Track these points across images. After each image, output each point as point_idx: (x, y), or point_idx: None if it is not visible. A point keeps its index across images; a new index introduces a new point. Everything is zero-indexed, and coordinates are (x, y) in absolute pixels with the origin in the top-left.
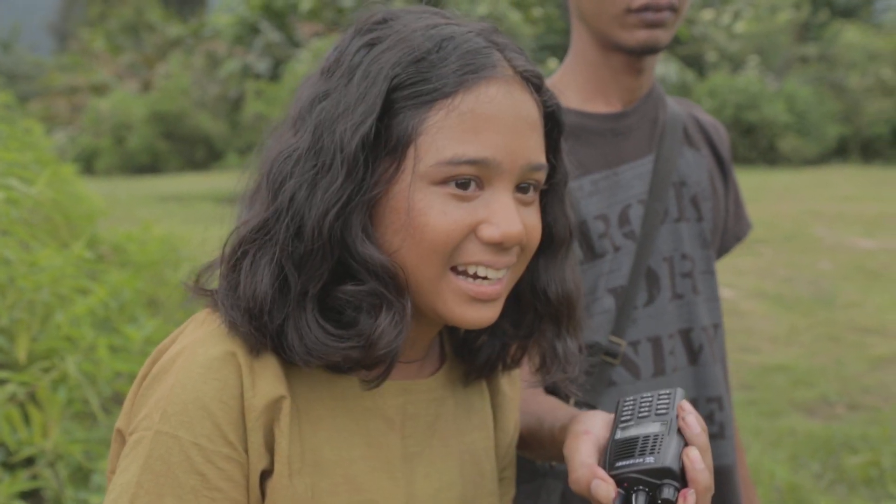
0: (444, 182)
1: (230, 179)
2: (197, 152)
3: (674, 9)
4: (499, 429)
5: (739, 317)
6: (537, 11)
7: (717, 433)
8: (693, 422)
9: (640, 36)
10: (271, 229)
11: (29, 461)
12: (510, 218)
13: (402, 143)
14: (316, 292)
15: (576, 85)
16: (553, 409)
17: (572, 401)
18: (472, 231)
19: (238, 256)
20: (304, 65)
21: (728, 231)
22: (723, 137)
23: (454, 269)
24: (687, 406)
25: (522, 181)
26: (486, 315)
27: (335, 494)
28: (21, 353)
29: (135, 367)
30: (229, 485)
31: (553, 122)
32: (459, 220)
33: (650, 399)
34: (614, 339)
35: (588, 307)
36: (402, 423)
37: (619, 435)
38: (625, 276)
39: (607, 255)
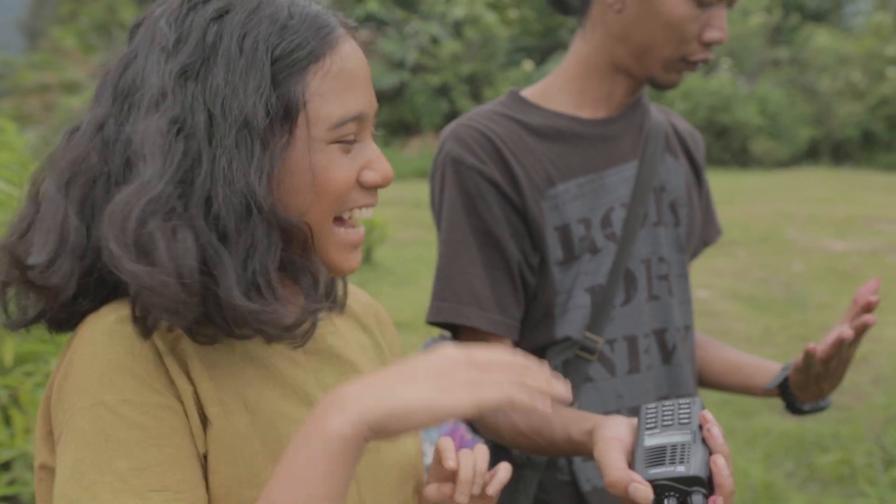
0: (335, 141)
1: None
2: None
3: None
4: (390, 350)
5: (715, 317)
6: (513, 13)
7: None
8: (717, 433)
9: (675, 79)
10: (169, 204)
11: (5, 466)
12: (384, 161)
13: (291, 112)
14: (274, 264)
15: (569, 91)
16: (559, 414)
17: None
18: (356, 178)
19: (140, 240)
20: None
21: (700, 236)
22: (699, 145)
23: (336, 221)
24: (709, 416)
25: (373, 125)
26: (359, 258)
27: (273, 429)
28: (7, 356)
29: None
30: (171, 430)
31: None
32: (351, 169)
33: (671, 408)
34: (591, 336)
35: (564, 305)
36: (306, 360)
37: (648, 442)
38: (604, 275)
39: (585, 256)
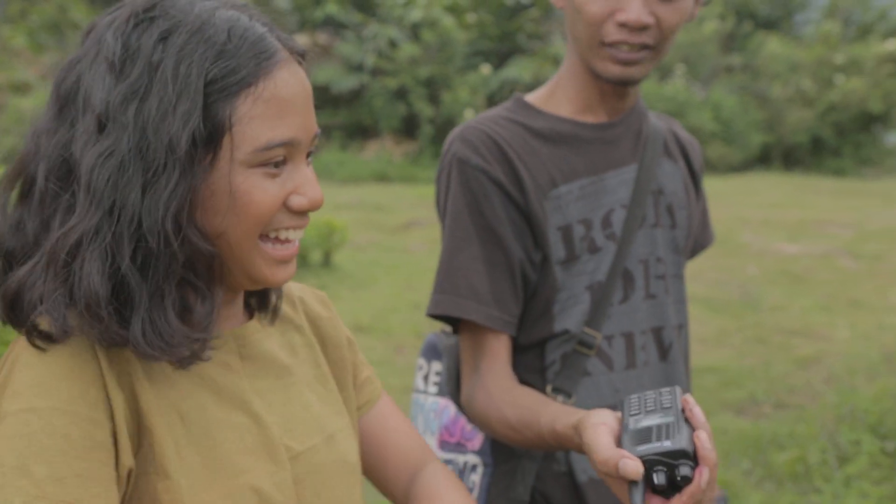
0: (260, 164)
1: None
2: None
3: (648, 48)
4: (329, 348)
5: None
6: (471, 17)
7: None
8: (699, 412)
9: (612, 70)
10: (100, 232)
11: None
12: (314, 187)
13: (216, 134)
14: (172, 289)
15: (567, 96)
16: (545, 404)
17: (549, 387)
18: (283, 202)
19: (62, 260)
20: None
21: (696, 239)
22: (697, 152)
23: (262, 237)
24: (691, 399)
25: (309, 149)
26: (290, 272)
27: (207, 437)
28: None
29: None
30: (95, 444)
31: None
32: (276, 194)
33: (654, 396)
34: (590, 331)
35: (564, 301)
36: (240, 365)
37: (633, 426)
38: (603, 273)
39: (585, 255)
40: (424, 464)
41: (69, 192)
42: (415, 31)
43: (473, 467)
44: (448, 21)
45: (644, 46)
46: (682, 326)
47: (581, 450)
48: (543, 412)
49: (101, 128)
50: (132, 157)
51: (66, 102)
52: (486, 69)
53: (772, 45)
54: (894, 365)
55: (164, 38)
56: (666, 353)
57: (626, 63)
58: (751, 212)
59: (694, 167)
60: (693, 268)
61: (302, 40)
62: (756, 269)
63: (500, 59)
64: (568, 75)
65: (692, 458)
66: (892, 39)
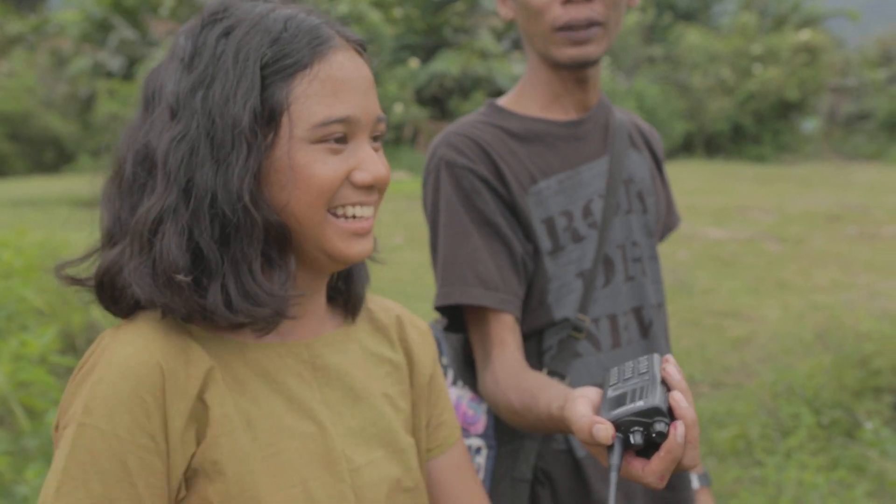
0: (320, 140)
1: (84, 182)
2: (46, 154)
3: (597, 24)
4: (416, 377)
5: None
6: (398, 11)
7: None
8: (673, 370)
9: (569, 52)
10: (178, 209)
11: None
12: (377, 163)
13: (276, 113)
14: (258, 253)
15: (535, 97)
16: (546, 387)
17: (545, 370)
18: (346, 177)
19: (144, 237)
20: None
21: (664, 223)
22: (657, 141)
23: (332, 213)
24: (671, 359)
25: (374, 132)
26: (365, 247)
27: (271, 444)
28: None
29: (37, 377)
30: (148, 471)
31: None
32: (337, 168)
33: (632, 365)
34: (581, 316)
35: (558, 291)
36: (312, 375)
37: (611, 394)
38: (590, 260)
39: (569, 245)
40: None
41: (152, 177)
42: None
43: (478, 450)
44: (375, 16)
45: (592, 23)
46: (661, 305)
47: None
48: (541, 397)
49: (174, 115)
50: (202, 139)
51: (148, 101)
52: (413, 63)
53: (691, 36)
54: (826, 342)
55: (227, 33)
56: (647, 330)
57: (580, 42)
58: (677, 198)
59: (657, 155)
60: None
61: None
62: (686, 254)
63: (427, 54)
64: (532, 77)
65: (667, 415)
66: (805, 30)
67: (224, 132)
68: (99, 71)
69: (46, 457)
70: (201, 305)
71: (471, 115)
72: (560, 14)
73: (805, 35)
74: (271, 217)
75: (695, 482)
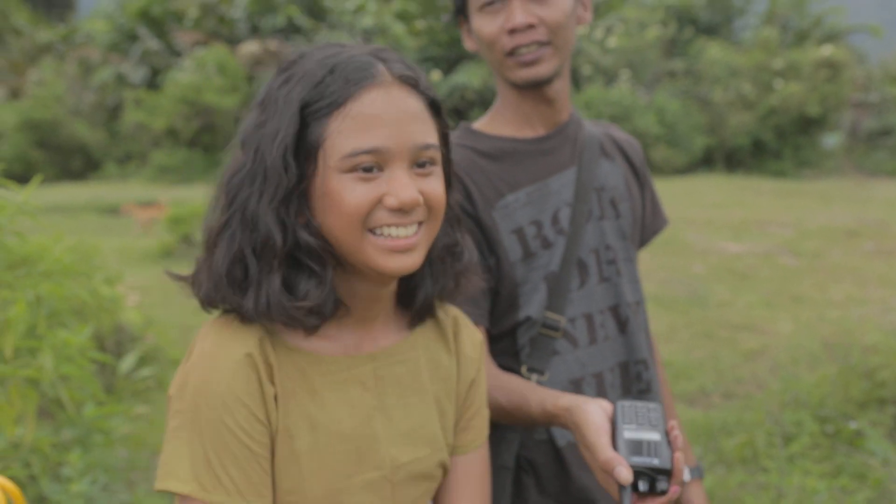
0: (350, 170)
1: (110, 189)
2: (73, 162)
3: (543, 44)
4: (460, 380)
5: None
6: (420, 24)
7: (645, 388)
8: (680, 436)
9: (521, 74)
10: (231, 226)
11: None
12: (405, 188)
13: (314, 148)
14: (278, 267)
15: (505, 117)
16: (532, 389)
17: (524, 367)
18: (380, 202)
19: (210, 246)
20: (187, 73)
21: (647, 226)
22: (636, 149)
23: (371, 231)
24: (675, 424)
25: (417, 159)
26: (405, 262)
27: (330, 445)
28: (7, 349)
29: (77, 371)
30: (266, 454)
31: (437, 110)
32: (366, 194)
33: (643, 409)
34: (553, 315)
35: (527, 294)
36: (374, 384)
37: (627, 436)
38: (556, 264)
39: (539, 251)
40: None
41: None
42: (365, 38)
43: None
44: (398, 28)
45: (539, 45)
46: (640, 303)
47: (568, 427)
48: (531, 396)
49: (242, 147)
50: (253, 171)
51: (243, 140)
52: (436, 75)
53: (712, 51)
54: (834, 354)
55: (286, 80)
56: (624, 326)
57: (529, 64)
58: (695, 212)
59: (634, 162)
60: (642, 267)
61: (253, 48)
62: (702, 268)
63: (449, 65)
64: (502, 101)
65: (669, 475)
66: (827, 45)
67: (266, 167)
68: (122, 81)
69: (84, 445)
70: (238, 304)
71: None
72: (506, 41)
73: (827, 50)
74: (307, 239)
75: (686, 475)
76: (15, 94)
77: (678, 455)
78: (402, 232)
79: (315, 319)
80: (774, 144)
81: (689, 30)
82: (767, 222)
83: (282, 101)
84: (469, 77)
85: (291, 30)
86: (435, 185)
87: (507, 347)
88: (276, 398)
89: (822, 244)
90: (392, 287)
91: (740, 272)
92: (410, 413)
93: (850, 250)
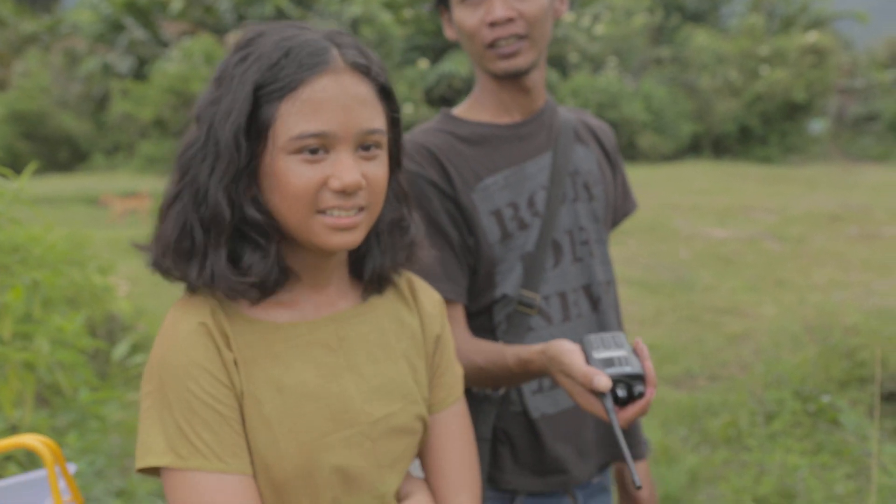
0: (297, 151)
1: (98, 181)
2: (60, 153)
3: (521, 37)
4: (426, 337)
5: None
6: (408, 13)
7: None
8: (644, 347)
9: (500, 66)
10: (182, 198)
11: None
12: (348, 172)
13: (264, 128)
14: (224, 242)
15: (484, 104)
16: (506, 346)
17: (500, 342)
18: (325, 184)
19: (162, 216)
20: (174, 63)
21: (618, 208)
22: (608, 135)
23: (321, 213)
24: (641, 341)
25: (363, 143)
26: (346, 239)
27: (299, 406)
28: (5, 332)
29: (72, 357)
30: (236, 415)
31: (387, 96)
32: (311, 177)
33: (608, 337)
34: (529, 293)
35: (504, 273)
36: (338, 345)
37: (597, 355)
38: (532, 244)
39: (516, 232)
40: (454, 497)
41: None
42: (353, 27)
43: None
44: (385, 17)
45: (518, 37)
46: (610, 283)
47: (544, 371)
48: (506, 351)
49: (197, 121)
50: (206, 146)
51: (198, 115)
52: (423, 64)
53: (699, 38)
54: (815, 335)
55: (243, 59)
56: (596, 304)
57: (508, 56)
58: (681, 198)
59: (606, 147)
60: (628, 253)
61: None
62: (687, 253)
63: (436, 54)
64: (480, 89)
65: (643, 379)
66: (813, 31)
67: (218, 144)
68: (109, 71)
69: (80, 429)
70: (185, 274)
71: (426, 124)
72: (487, 34)
73: (813, 37)
74: (253, 215)
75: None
76: (0, 85)
77: (647, 363)
78: (347, 213)
79: (257, 293)
80: (761, 131)
81: (676, 17)
82: (753, 208)
83: (237, 81)
84: (456, 66)
85: (279, 19)
86: (377, 169)
87: (484, 324)
88: (235, 363)
89: (807, 229)
90: (341, 256)
91: (725, 257)
92: (380, 369)
93: (833, 235)
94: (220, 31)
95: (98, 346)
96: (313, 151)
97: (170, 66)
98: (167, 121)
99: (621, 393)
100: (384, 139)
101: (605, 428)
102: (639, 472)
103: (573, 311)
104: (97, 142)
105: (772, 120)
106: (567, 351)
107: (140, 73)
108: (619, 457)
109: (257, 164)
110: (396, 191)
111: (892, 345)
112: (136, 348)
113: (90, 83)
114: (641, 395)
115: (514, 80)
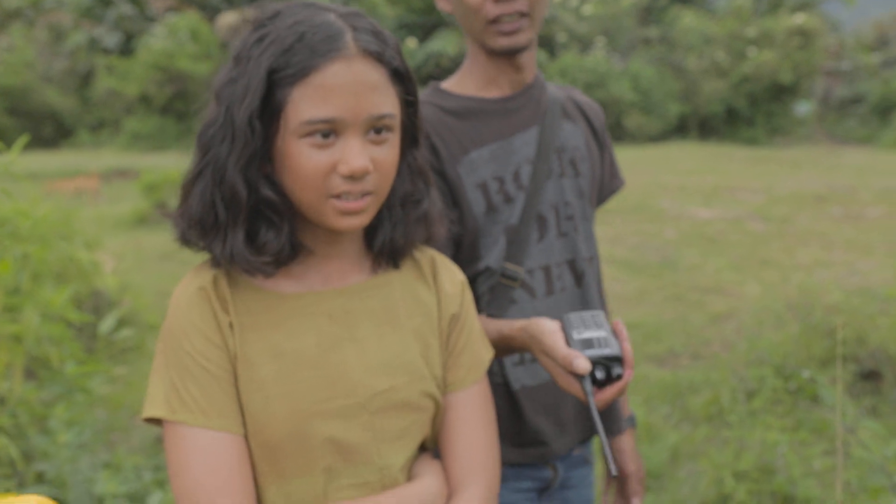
0: (308, 135)
1: (83, 156)
2: (45, 128)
3: (523, 14)
4: (441, 315)
5: None
6: None
7: None
8: (624, 330)
9: (501, 42)
10: (204, 176)
11: None
12: (356, 157)
13: (277, 111)
14: (243, 220)
15: (473, 78)
16: (489, 320)
17: (483, 315)
18: (334, 168)
19: (186, 192)
20: (160, 40)
21: (605, 186)
22: (597, 112)
23: (333, 196)
24: (621, 322)
25: (373, 127)
26: (353, 222)
27: (295, 372)
28: None
29: (59, 331)
30: (227, 375)
31: (401, 78)
32: (321, 162)
33: (588, 317)
34: (512, 266)
35: (488, 245)
36: (342, 317)
37: (577, 336)
38: (516, 218)
39: (501, 205)
40: (463, 488)
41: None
42: (343, 4)
43: None
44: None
45: (520, 15)
46: (593, 258)
47: (525, 347)
48: (489, 325)
49: (216, 99)
50: (224, 125)
51: (216, 93)
52: (412, 42)
53: (686, 19)
54: (797, 314)
55: (259, 39)
56: (580, 279)
57: (510, 33)
58: (668, 179)
59: (594, 125)
60: (615, 232)
61: (231, 18)
62: (673, 233)
63: (425, 33)
64: (471, 61)
65: (620, 361)
66: (800, 13)
67: (234, 124)
68: (96, 46)
69: (67, 402)
70: (210, 248)
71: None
72: (491, 9)
73: (800, 18)
74: (268, 194)
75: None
76: None
77: (626, 345)
78: (357, 197)
79: (272, 268)
80: (747, 112)
81: None
82: (738, 188)
83: (253, 63)
84: (444, 44)
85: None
86: (387, 153)
87: None
88: (231, 326)
89: (791, 210)
90: (347, 234)
91: (710, 237)
92: (385, 343)
93: (818, 215)
94: (205, 7)
95: (85, 319)
96: (325, 135)
97: (155, 43)
98: (152, 97)
99: (599, 375)
100: (395, 122)
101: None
102: (625, 444)
103: (557, 285)
104: (82, 118)
105: (758, 101)
106: (548, 331)
107: (127, 48)
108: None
109: (271, 145)
110: (412, 166)
111: (872, 323)
112: (121, 323)
113: (75, 58)
114: (619, 377)
115: (509, 57)
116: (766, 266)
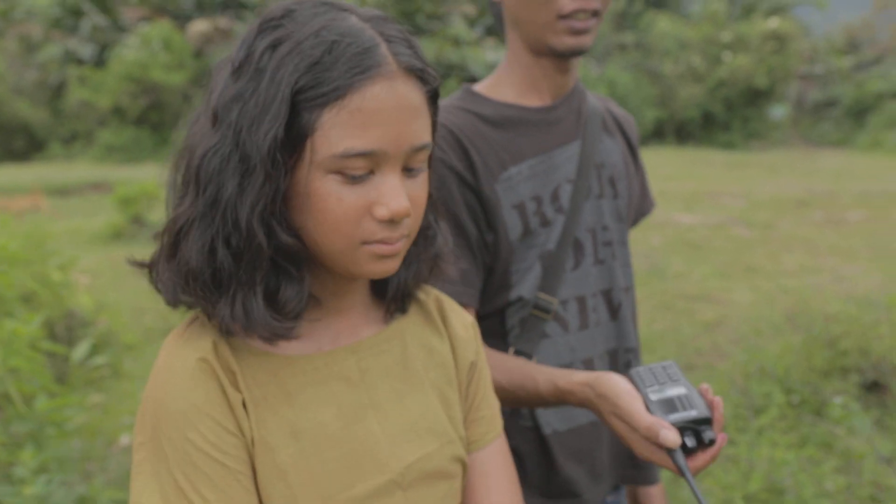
0: (338, 171)
1: (56, 170)
2: (15, 141)
3: (596, 13)
4: (458, 364)
5: None
6: None
7: None
8: (708, 388)
9: (568, 41)
10: (203, 219)
11: None
12: (397, 198)
13: (300, 137)
14: (262, 276)
15: (512, 82)
16: (536, 367)
17: (512, 349)
18: (368, 211)
19: (179, 238)
20: (132, 50)
21: (636, 207)
22: (632, 127)
23: (365, 243)
24: (706, 386)
25: (409, 163)
26: (388, 267)
27: (318, 453)
28: None
29: (26, 364)
30: (244, 466)
31: (435, 100)
32: (353, 203)
33: (659, 370)
34: (546, 297)
35: (521, 273)
36: (360, 378)
37: (655, 397)
38: (553, 243)
39: (538, 229)
40: None
41: (190, 180)
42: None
43: None
44: (350, 2)
45: (594, 13)
46: (630, 288)
47: (587, 405)
48: (537, 374)
49: (214, 122)
50: (232, 155)
51: (206, 99)
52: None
53: (662, 24)
54: (796, 324)
55: (274, 45)
56: (616, 312)
57: (580, 32)
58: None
59: (631, 141)
60: None
61: (202, 26)
62: (659, 240)
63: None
64: (512, 62)
65: (709, 423)
66: (774, 17)
67: (249, 153)
68: (70, 58)
69: (37, 441)
70: (214, 309)
71: (446, 100)
72: (567, 3)
73: (773, 23)
74: (284, 239)
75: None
76: None
77: (715, 400)
78: (392, 243)
79: (295, 332)
80: (723, 116)
81: (639, 2)
82: (719, 193)
83: (268, 77)
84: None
85: (238, 5)
86: (421, 189)
87: (494, 328)
88: (244, 406)
89: (774, 215)
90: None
91: (694, 243)
92: (407, 405)
93: (800, 220)
94: (178, 16)
95: (56, 350)
96: (357, 175)
97: (128, 53)
98: (126, 108)
99: (690, 444)
100: (429, 153)
101: (621, 447)
102: (655, 496)
103: (591, 317)
104: (54, 130)
105: (734, 106)
106: (624, 392)
107: (101, 59)
108: (635, 479)
109: (289, 180)
110: (430, 197)
111: (874, 333)
112: (96, 347)
113: (46, 70)
114: (712, 442)
115: (563, 59)
116: (752, 273)
